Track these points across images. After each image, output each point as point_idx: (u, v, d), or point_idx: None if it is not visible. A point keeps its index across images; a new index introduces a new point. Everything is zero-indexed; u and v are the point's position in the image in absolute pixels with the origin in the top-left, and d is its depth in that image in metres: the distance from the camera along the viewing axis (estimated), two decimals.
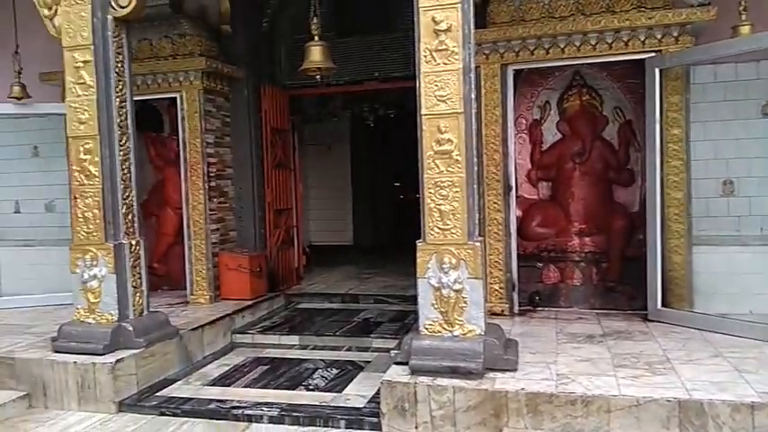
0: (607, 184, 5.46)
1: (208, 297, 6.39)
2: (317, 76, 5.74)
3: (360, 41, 6.86)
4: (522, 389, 3.52)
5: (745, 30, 4.61)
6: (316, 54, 5.40)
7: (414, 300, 6.42)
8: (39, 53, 6.42)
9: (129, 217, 4.78)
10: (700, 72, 5.09)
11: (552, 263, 5.55)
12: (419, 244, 3.92)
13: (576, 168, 5.47)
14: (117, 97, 4.66)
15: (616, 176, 5.43)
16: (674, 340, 4.39)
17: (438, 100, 3.78)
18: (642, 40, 4.90)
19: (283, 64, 7.24)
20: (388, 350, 5.08)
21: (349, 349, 5.42)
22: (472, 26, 3.81)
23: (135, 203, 4.83)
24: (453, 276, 3.80)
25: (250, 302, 6.40)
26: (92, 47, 4.52)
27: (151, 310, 4.97)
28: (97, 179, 4.57)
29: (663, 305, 4.91)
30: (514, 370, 3.79)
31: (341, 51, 6.73)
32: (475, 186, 3.86)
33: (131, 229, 4.79)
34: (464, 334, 3.79)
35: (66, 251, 5.98)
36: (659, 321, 4.86)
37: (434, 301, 3.85)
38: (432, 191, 3.84)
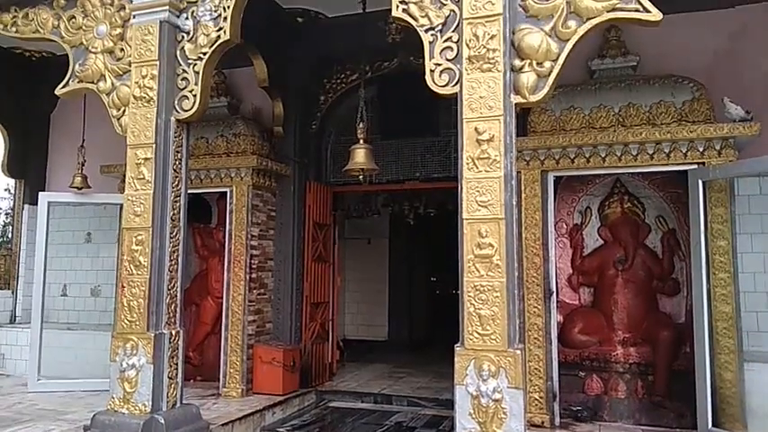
0: (651, 292, 5.35)
1: (240, 390, 6.32)
2: (360, 177, 5.93)
3: (403, 143, 7.13)
4: None
5: None
6: (360, 156, 5.63)
7: (448, 404, 6.29)
8: (100, 147, 6.88)
9: (172, 307, 4.86)
10: (745, 184, 5.08)
11: (595, 372, 5.35)
12: (457, 348, 3.84)
13: (618, 275, 5.39)
14: (172, 192, 4.90)
15: (660, 285, 5.33)
16: None
17: (479, 205, 3.85)
18: (684, 152, 4.96)
19: (328, 162, 7.54)
20: None
21: None
22: (514, 136, 3.93)
23: (179, 294, 4.93)
24: (492, 385, 3.69)
25: (281, 398, 6.30)
26: (153, 145, 4.81)
27: (184, 402, 4.93)
28: (145, 269, 4.71)
29: (714, 425, 4.63)
30: None
31: (384, 152, 7.01)
32: (516, 292, 3.82)
33: (173, 319, 4.86)
34: None
35: (105, 336, 6.09)
36: None
37: (472, 411, 3.72)
38: (471, 294, 3.81)
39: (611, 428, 5.06)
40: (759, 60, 5.50)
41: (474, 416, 3.71)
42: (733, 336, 4.70)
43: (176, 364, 4.81)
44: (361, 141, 5.62)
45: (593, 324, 5.41)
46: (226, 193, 6.70)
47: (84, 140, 6.87)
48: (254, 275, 6.63)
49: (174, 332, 4.82)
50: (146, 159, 4.83)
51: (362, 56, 6.38)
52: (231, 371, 6.39)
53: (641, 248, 5.40)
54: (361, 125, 5.57)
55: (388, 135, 7.11)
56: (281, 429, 5.71)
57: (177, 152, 4.97)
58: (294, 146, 7.19)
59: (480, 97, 3.90)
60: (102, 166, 7.06)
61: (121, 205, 6.56)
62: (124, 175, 6.27)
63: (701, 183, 4.82)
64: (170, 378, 4.74)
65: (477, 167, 3.87)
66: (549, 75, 3.88)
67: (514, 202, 3.90)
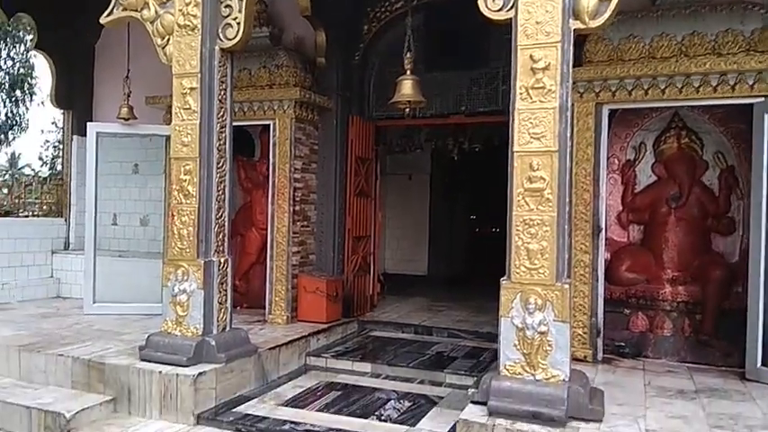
0: (705, 231, 5.19)
1: (285, 317, 6.52)
2: (407, 110, 5.80)
3: (448, 76, 6.90)
4: None
5: None
6: (407, 88, 5.49)
7: (488, 337, 6.41)
8: (145, 78, 6.90)
9: (220, 236, 4.97)
10: None
11: (641, 310, 5.29)
12: (503, 282, 3.84)
13: (671, 213, 5.23)
14: (218, 122, 4.90)
15: (715, 224, 5.15)
16: None
17: (532, 137, 3.74)
18: (751, 84, 4.67)
19: (371, 95, 7.40)
20: (461, 387, 5.04)
21: (421, 382, 5.35)
22: (571, 65, 3.77)
23: (226, 223, 5.03)
24: (538, 318, 3.69)
25: (325, 326, 6.48)
26: (198, 75, 4.79)
27: (233, 326, 5.11)
28: (194, 198, 4.80)
29: (763, 364, 4.56)
30: (599, 421, 3.61)
31: (428, 85, 6.78)
32: (566, 226, 3.76)
33: (221, 248, 4.98)
34: (547, 378, 3.66)
35: (155, 264, 6.26)
36: (758, 381, 4.53)
37: (517, 342, 3.75)
38: (520, 228, 3.77)
39: (655, 365, 5.05)
40: None
41: (519, 347, 3.74)
42: None
43: (225, 291, 4.96)
44: (408, 72, 5.46)
45: (641, 262, 5.31)
46: (268, 126, 6.69)
47: (128, 71, 6.87)
48: (297, 208, 6.70)
49: (222, 260, 4.94)
50: (191, 89, 4.82)
51: None
52: (276, 299, 6.57)
53: (697, 186, 5.20)
54: (408, 55, 5.40)
55: (432, 67, 6.88)
56: (325, 355, 5.90)
57: (222, 82, 4.94)
58: (337, 78, 7.06)
59: (537, 22, 3.72)
60: (147, 97, 7.09)
61: (167, 137, 6.66)
62: (169, 107, 6.31)
63: (767, 116, 4.56)
64: (220, 303, 4.90)
65: (531, 98, 3.74)
66: None
67: (568, 135, 3.77)
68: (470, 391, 3.92)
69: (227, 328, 5.01)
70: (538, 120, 3.72)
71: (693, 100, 4.88)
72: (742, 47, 4.76)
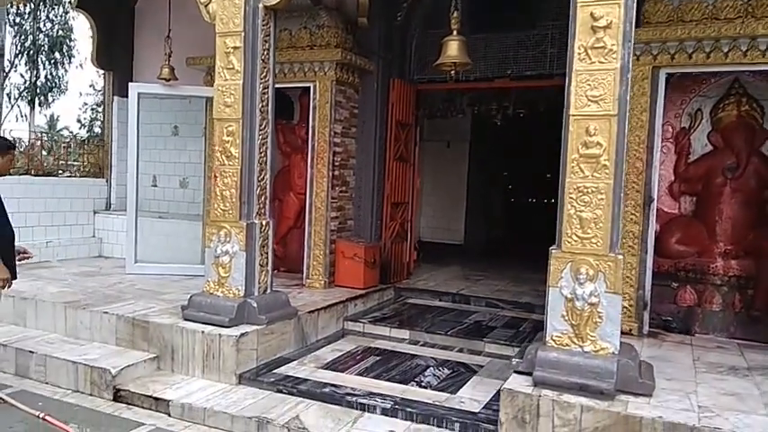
0: (761, 203, 4.96)
1: (322, 282, 6.53)
2: (452, 72, 5.62)
3: (493, 38, 6.67)
4: (660, 417, 3.25)
5: None
6: (453, 49, 5.29)
7: (527, 307, 6.33)
8: (184, 39, 6.83)
9: (262, 198, 4.95)
10: None
11: (690, 284, 5.12)
12: (553, 251, 3.73)
13: (726, 184, 5.01)
14: (261, 83, 4.83)
15: None
16: None
17: (589, 100, 3.58)
18: None
19: (413, 57, 7.22)
20: (501, 356, 4.99)
21: (460, 350, 5.31)
22: (633, 23, 3.56)
23: (268, 186, 5.00)
24: (589, 289, 3.58)
25: (362, 291, 6.47)
26: (242, 33, 4.71)
27: (273, 289, 5.12)
28: (237, 160, 4.77)
29: None
30: (649, 395, 3.52)
31: (472, 47, 6.54)
32: (621, 195, 3.61)
33: (263, 210, 4.96)
34: (596, 351, 3.57)
35: (194, 225, 6.26)
36: None
37: (565, 313, 3.65)
38: (573, 196, 3.64)
39: (703, 340, 4.91)
40: None
41: (567, 318, 3.64)
42: None
43: (267, 253, 4.96)
44: (455, 33, 5.27)
45: (692, 234, 5.12)
46: (308, 89, 6.59)
47: (169, 30, 6.81)
48: (336, 173, 6.63)
49: (264, 222, 4.93)
50: (235, 48, 4.75)
51: None
52: (314, 264, 6.58)
53: (755, 156, 4.95)
54: (455, 14, 5.19)
55: (477, 28, 6.63)
56: (362, 320, 5.89)
57: (265, 41, 4.85)
58: (378, 39, 6.88)
59: None
60: (187, 58, 7.02)
61: (207, 99, 6.63)
62: (209, 68, 6.26)
63: None
64: (261, 266, 4.90)
65: (591, 58, 3.56)
66: None
67: (628, 98, 3.59)
68: (514, 360, 3.86)
69: (268, 291, 5.02)
70: (597, 82, 3.55)
71: (759, 64, 4.60)
72: None
